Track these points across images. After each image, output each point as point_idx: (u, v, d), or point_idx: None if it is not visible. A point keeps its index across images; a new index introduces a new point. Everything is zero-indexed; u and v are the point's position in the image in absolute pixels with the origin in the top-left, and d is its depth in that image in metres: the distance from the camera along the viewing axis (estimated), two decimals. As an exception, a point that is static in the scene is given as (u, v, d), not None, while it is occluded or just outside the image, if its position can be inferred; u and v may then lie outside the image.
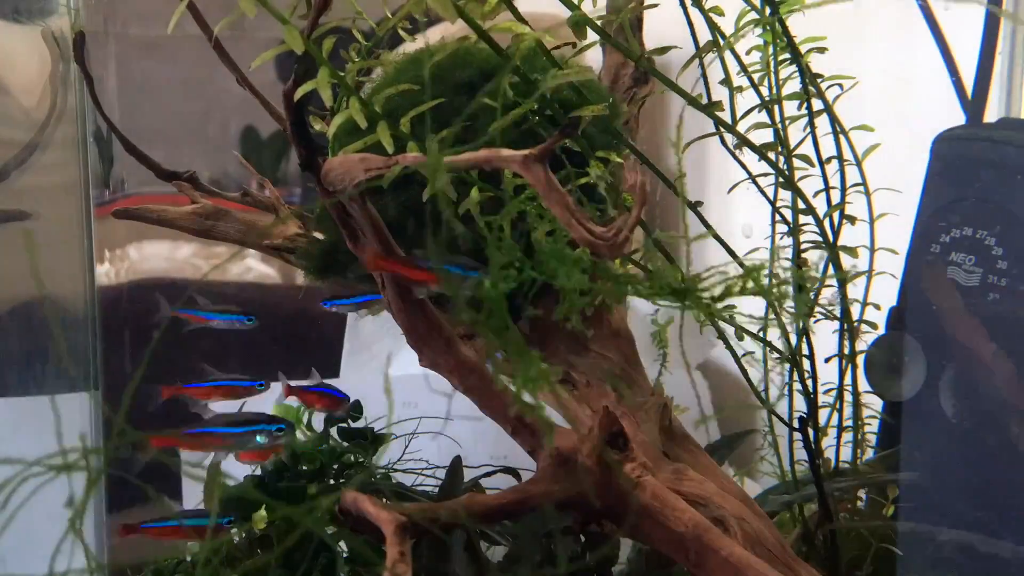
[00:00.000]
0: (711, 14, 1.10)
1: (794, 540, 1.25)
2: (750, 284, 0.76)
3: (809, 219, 1.20)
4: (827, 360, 1.26)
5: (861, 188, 1.22)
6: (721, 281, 0.77)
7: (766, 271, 0.79)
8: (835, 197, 1.21)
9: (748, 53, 1.16)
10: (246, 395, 1.30)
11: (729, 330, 1.16)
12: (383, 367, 1.78)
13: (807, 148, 1.19)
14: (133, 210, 1.39)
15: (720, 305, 0.81)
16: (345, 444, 1.37)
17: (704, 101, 1.12)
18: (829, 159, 1.20)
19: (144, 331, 1.77)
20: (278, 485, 1.28)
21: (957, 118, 1.34)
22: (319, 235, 1.29)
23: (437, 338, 0.97)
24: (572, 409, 1.11)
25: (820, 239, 1.21)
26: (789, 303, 0.89)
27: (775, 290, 0.79)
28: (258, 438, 1.20)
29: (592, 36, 1.04)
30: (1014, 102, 1.46)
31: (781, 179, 1.19)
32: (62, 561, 0.76)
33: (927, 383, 1.25)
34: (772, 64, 1.16)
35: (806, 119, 1.18)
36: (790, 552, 1.03)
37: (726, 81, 1.15)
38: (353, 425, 1.40)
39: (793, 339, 1.19)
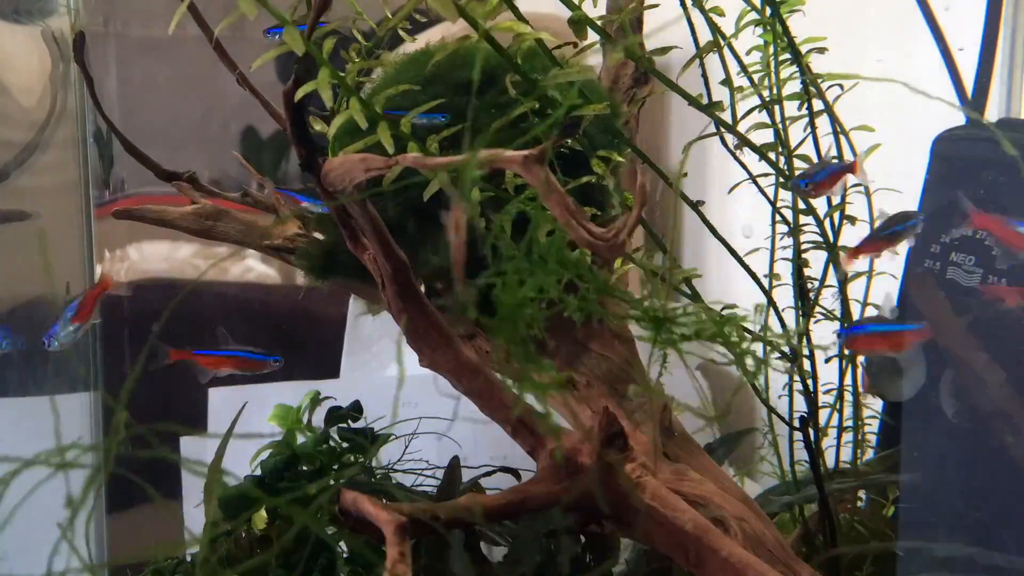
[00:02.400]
0: (711, 14, 1.10)
1: (794, 540, 1.25)
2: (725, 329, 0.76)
3: (809, 219, 1.20)
4: (827, 360, 1.26)
5: (861, 188, 1.22)
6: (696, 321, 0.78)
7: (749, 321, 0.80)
8: (835, 197, 1.21)
9: (748, 53, 1.16)
10: (258, 368, 1.28)
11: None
12: (383, 367, 1.79)
13: (807, 148, 1.19)
14: (133, 210, 1.39)
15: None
16: (345, 444, 1.37)
17: (704, 101, 1.12)
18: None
19: (144, 331, 1.77)
20: (278, 485, 1.28)
21: (957, 118, 1.34)
22: (319, 235, 1.29)
23: (437, 338, 0.97)
24: (572, 409, 1.11)
25: (820, 239, 1.21)
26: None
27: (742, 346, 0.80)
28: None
29: (592, 36, 1.04)
30: (1014, 102, 1.46)
31: (781, 179, 1.19)
32: (60, 561, 0.76)
33: (927, 383, 1.25)
34: (772, 64, 1.16)
35: (806, 119, 1.18)
36: (790, 552, 1.03)
37: (726, 81, 1.15)
38: (353, 425, 1.40)
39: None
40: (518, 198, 0.93)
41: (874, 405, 1.33)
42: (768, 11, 1.11)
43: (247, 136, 1.88)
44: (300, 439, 1.36)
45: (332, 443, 1.36)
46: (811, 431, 1.20)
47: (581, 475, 0.92)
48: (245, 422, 1.35)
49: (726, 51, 1.13)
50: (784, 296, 1.23)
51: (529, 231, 0.92)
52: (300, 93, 0.89)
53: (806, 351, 1.23)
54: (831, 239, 1.21)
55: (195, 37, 1.18)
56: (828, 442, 1.30)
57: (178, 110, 1.88)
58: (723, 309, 1.01)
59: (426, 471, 1.43)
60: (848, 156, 1.21)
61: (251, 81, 1.25)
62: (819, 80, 1.16)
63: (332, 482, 1.30)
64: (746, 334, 0.88)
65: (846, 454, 1.33)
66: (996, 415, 1.18)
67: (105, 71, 1.74)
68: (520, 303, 0.74)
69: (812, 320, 1.23)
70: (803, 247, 1.22)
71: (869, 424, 1.33)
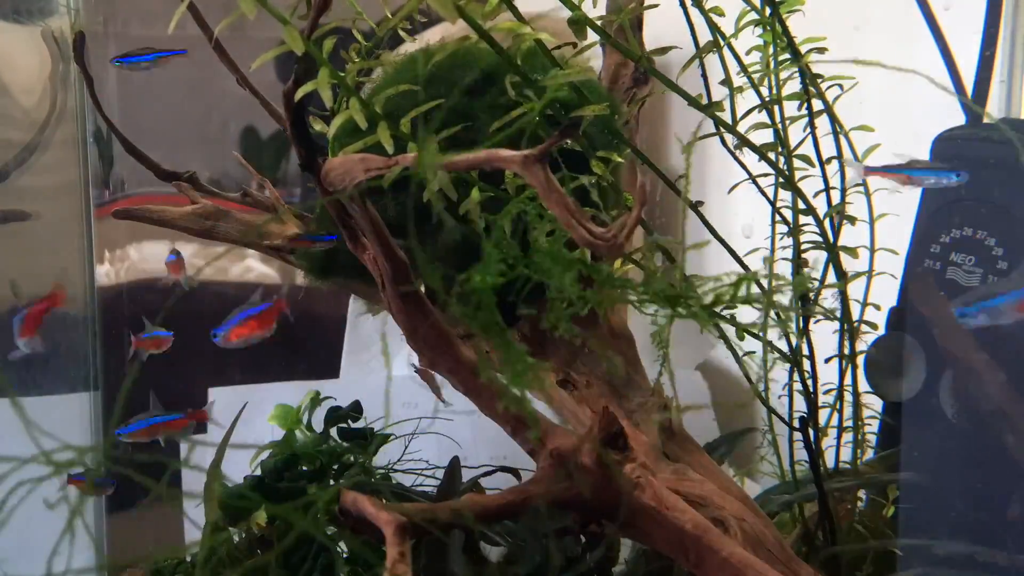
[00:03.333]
0: (711, 14, 1.10)
1: (794, 540, 1.25)
2: (741, 292, 0.76)
3: (809, 219, 1.20)
4: (827, 360, 1.26)
5: (861, 188, 1.22)
6: (713, 288, 0.77)
7: (760, 275, 0.79)
8: (835, 197, 1.21)
9: (748, 53, 1.16)
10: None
11: (729, 330, 1.16)
12: (383, 367, 1.78)
13: (807, 148, 1.19)
14: (133, 210, 1.39)
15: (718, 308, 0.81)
16: (345, 444, 1.37)
17: (704, 101, 1.12)
18: (829, 159, 1.20)
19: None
20: (278, 486, 1.28)
21: (957, 118, 1.34)
22: (319, 235, 1.29)
23: (437, 338, 0.97)
24: (572, 409, 1.11)
25: (820, 239, 1.21)
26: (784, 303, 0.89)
27: (766, 299, 0.79)
28: None
29: (592, 36, 1.04)
30: (1014, 102, 1.46)
31: (781, 179, 1.19)
32: (60, 562, 0.76)
33: (927, 383, 1.25)
34: (772, 64, 1.16)
35: (806, 119, 1.18)
36: (790, 552, 1.03)
37: (726, 81, 1.15)
38: (353, 425, 1.40)
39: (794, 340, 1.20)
40: (518, 198, 0.93)
41: (874, 405, 1.33)
42: (768, 11, 1.11)
43: (247, 136, 1.88)
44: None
45: (332, 443, 1.36)
46: (811, 431, 1.20)
47: (581, 475, 0.92)
48: (245, 422, 1.35)
49: (726, 51, 1.13)
50: (784, 296, 1.23)
51: (529, 231, 0.92)
52: (300, 93, 0.88)
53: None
54: (831, 239, 1.20)
55: (195, 37, 1.18)
56: (828, 442, 1.29)
57: (178, 110, 1.88)
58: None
59: (426, 471, 1.43)
60: (848, 156, 1.21)
61: (251, 81, 1.25)
62: (819, 80, 1.16)
63: (332, 483, 1.30)
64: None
65: (846, 454, 1.33)
66: (996, 415, 1.18)
67: (105, 71, 1.74)
68: (493, 289, 0.74)
69: (812, 320, 1.23)
70: (803, 247, 1.22)
71: (869, 424, 1.33)
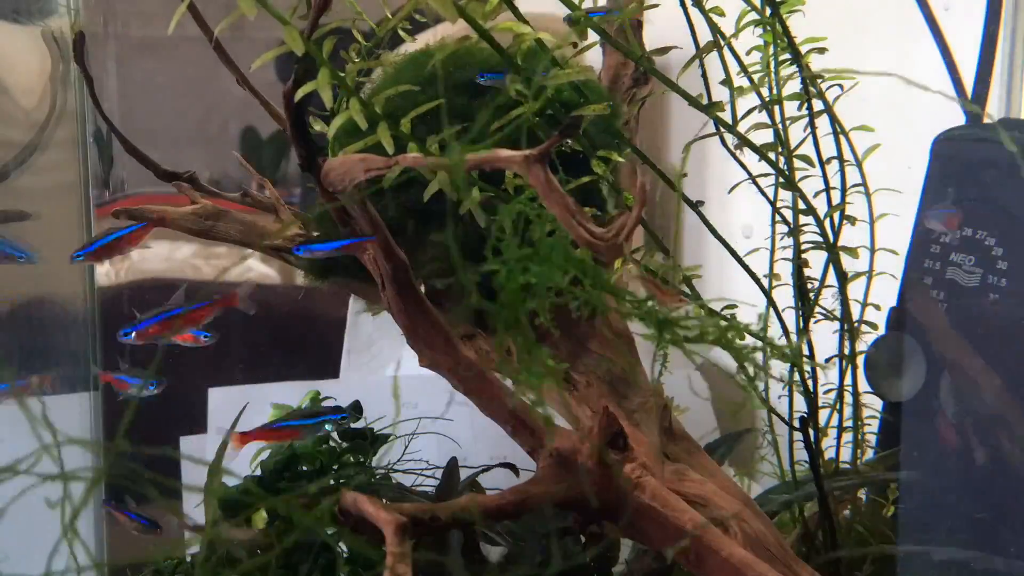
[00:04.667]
0: (711, 14, 1.10)
1: (794, 540, 1.25)
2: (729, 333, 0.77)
3: (809, 219, 1.20)
4: (827, 360, 1.26)
5: (861, 188, 1.22)
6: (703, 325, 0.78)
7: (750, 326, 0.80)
8: (835, 197, 1.21)
9: (748, 53, 1.16)
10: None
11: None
12: (383, 367, 1.79)
13: (807, 148, 1.19)
14: (133, 210, 1.39)
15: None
16: (345, 444, 1.36)
17: (704, 101, 1.12)
18: (829, 159, 1.20)
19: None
20: (278, 485, 1.28)
21: (957, 118, 1.34)
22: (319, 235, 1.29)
23: (437, 338, 0.97)
24: (572, 409, 1.11)
25: (820, 240, 1.21)
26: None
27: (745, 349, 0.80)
28: (327, 427, 1.24)
29: (592, 36, 1.04)
30: (1014, 102, 1.46)
31: (781, 179, 1.19)
32: (60, 561, 0.77)
33: (927, 383, 1.25)
34: (772, 64, 1.16)
35: (806, 119, 1.18)
36: (790, 552, 1.03)
37: (726, 81, 1.15)
38: (353, 426, 1.39)
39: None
40: (518, 198, 0.93)
41: (874, 405, 1.33)
42: (768, 11, 1.11)
43: (247, 136, 1.88)
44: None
45: (332, 443, 1.36)
46: (811, 431, 1.20)
47: (581, 475, 0.92)
48: (245, 422, 1.35)
49: (726, 51, 1.13)
50: (784, 296, 1.23)
51: (531, 229, 0.92)
52: (300, 93, 0.89)
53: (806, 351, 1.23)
54: (831, 239, 1.21)
55: (195, 37, 1.18)
56: (828, 442, 1.30)
57: (178, 110, 1.88)
58: (724, 308, 1.01)
59: (426, 471, 1.43)
60: (848, 156, 1.21)
61: (251, 81, 1.25)
62: (819, 80, 1.16)
63: (332, 482, 1.30)
64: (748, 336, 0.88)
65: (846, 454, 1.33)
66: (994, 421, 1.18)
67: (105, 71, 1.74)
68: (523, 287, 0.74)
69: (812, 320, 1.23)
70: (803, 247, 1.22)
71: (869, 424, 1.33)
